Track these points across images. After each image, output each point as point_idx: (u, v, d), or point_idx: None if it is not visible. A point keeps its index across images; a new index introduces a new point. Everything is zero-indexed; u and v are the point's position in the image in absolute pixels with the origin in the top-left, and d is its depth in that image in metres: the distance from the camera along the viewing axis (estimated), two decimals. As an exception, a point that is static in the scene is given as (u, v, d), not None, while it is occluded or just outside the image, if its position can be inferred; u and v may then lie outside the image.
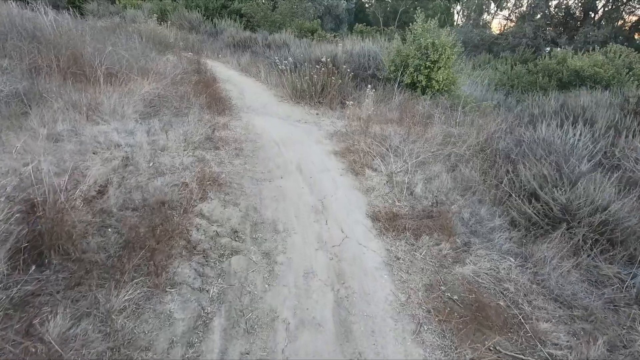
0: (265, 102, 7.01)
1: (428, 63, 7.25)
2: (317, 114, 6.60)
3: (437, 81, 7.41)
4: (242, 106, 6.62)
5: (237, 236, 2.75)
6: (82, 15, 13.37)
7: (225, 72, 9.50)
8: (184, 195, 3.04)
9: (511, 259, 2.78)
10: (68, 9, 11.75)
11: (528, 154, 4.21)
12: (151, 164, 3.51)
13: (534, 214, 3.11)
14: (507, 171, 4.01)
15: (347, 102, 6.84)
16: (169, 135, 4.29)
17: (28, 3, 12.17)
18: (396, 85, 7.44)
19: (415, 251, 2.77)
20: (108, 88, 5.08)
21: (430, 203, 3.47)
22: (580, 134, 4.35)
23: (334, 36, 16.31)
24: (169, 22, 13.55)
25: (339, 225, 3.05)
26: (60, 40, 6.14)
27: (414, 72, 7.41)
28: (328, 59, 7.23)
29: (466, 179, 4.07)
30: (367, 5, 38.56)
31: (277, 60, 7.83)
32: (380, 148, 4.75)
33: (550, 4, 23.06)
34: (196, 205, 2.96)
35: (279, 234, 2.88)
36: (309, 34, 15.95)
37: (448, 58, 7.35)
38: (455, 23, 31.25)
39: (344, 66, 7.70)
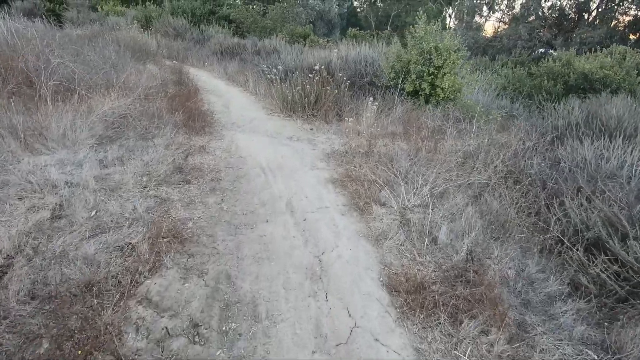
0: (253, 116, 6.10)
1: (432, 69, 6.40)
2: (311, 129, 5.70)
3: (442, 89, 6.55)
4: (226, 122, 5.70)
5: (197, 333, 1.84)
6: (60, 24, 12.39)
7: (211, 82, 8.58)
8: (126, 266, 2.13)
9: (593, 355, 1.90)
10: (42, 17, 10.78)
11: (570, 181, 3.35)
12: (93, 214, 2.59)
13: (608, 276, 2.24)
14: (548, 206, 3.14)
15: (345, 116, 5.96)
16: (127, 167, 3.37)
17: None
18: (397, 94, 6.57)
19: (457, 348, 1.87)
20: (63, 107, 4.15)
21: (461, 257, 2.59)
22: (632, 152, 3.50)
23: (327, 41, 15.45)
24: (153, 29, 12.62)
25: (344, 303, 2.14)
26: (13, 52, 5.21)
27: (416, 79, 6.55)
28: (322, 67, 6.35)
29: (497, 215, 3.19)
30: (359, 10, 37.89)
31: (266, 69, 6.93)
32: (387, 173, 3.86)
33: (543, 5, 22.43)
34: (141, 283, 2.04)
35: (260, 323, 1.96)
36: (301, 40, 15.09)
37: (453, 63, 6.51)
38: (447, 26, 30.61)
39: (340, 74, 6.82)
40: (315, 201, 3.36)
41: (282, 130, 5.50)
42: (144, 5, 14.64)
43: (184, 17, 13.74)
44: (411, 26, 7.26)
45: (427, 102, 6.75)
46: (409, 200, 3.35)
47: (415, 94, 6.79)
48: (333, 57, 8.02)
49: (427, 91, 6.52)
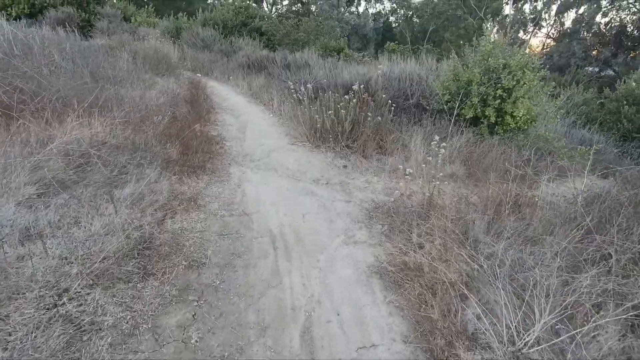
0: (273, 145, 4.73)
1: (499, 91, 4.82)
2: (345, 166, 4.25)
3: (512, 116, 4.95)
4: (237, 153, 4.36)
5: None
6: (91, 34, 11.73)
7: (231, 99, 7.35)
8: None
9: None
10: (66, 26, 10.06)
11: None
12: None
13: None
14: None
15: (388, 148, 4.49)
16: (52, 245, 2.05)
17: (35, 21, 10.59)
18: (452, 121, 5.02)
19: None
20: (5, 135, 2.93)
21: None
22: None
23: (363, 56, 14.07)
24: (179, 40, 11.71)
25: None
26: None
27: (479, 103, 4.99)
28: (361, 86, 4.91)
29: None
30: (394, 25, 36.51)
31: (292, 86, 5.58)
32: (464, 257, 2.33)
33: (599, 21, 20.06)
34: None
35: None
36: (335, 54, 13.79)
37: (529, 85, 4.90)
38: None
39: (382, 95, 5.36)
40: (354, 329, 1.87)
41: (307, 168, 4.08)
42: (175, 17, 13.89)
43: (215, 29, 12.81)
44: (472, 39, 5.74)
45: (491, 132, 5.15)
46: (519, 333, 1.80)
47: (475, 121, 5.22)
48: (373, 74, 6.57)
49: (492, 119, 4.93)
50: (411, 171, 3.69)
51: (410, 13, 32.19)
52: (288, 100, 6.18)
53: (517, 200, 3.10)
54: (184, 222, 2.65)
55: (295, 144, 4.83)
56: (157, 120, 4.15)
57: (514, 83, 4.82)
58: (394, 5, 31.52)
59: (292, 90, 5.45)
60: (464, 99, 5.09)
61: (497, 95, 4.86)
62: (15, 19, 11.38)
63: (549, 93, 5.43)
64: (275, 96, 6.80)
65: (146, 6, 15.76)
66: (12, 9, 11.66)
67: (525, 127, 5.18)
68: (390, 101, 5.05)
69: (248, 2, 16.52)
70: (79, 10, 12.94)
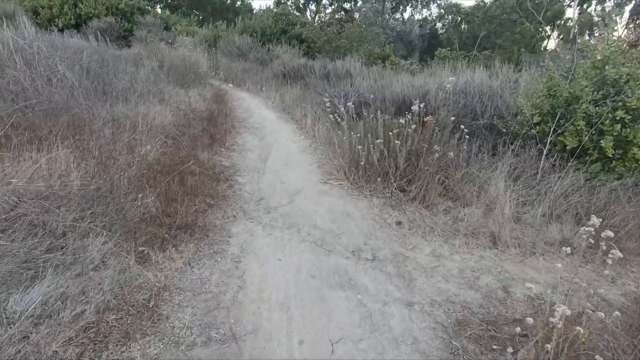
0: (299, 183, 3.44)
1: (621, 113, 3.20)
2: (400, 223, 2.85)
3: (643, 149, 3.30)
4: (249, 196, 3.12)
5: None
6: (129, 43, 11.26)
7: (259, 114, 6.18)
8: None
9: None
10: (104, 36, 9.54)
11: None
12: None
13: None
14: None
15: (458, 191, 3.04)
16: None
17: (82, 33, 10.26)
18: (544, 151, 3.47)
19: None
20: None
21: None
22: None
23: (410, 63, 12.50)
24: (216, 49, 10.88)
25: None
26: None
27: (586, 127, 3.39)
28: (421, 105, 3.47)
29: None
30: (440, 32, 34.30)
31: (328, 103, 4.26)
32: None
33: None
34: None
35: None
36: (380, 62, 12.35)
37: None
38: (544, 47, 25.68)
39: (443, 113, 3.92)
40: None
41: (343, 227, 2.72)
42: (214, 25, 13.19)
43: (254, 36, 11.89)
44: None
45: (608, 169, 3.50)
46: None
47: (579, 152, 3.60)
48: (431, 87, 5.11)
49: (608, 151, 3.30)
50: (497, 233, 2.22)
51: (459, 18, 29.89)
52: (324, 119, 4.88)
53: None
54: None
55: (330, 183, 3.48)
56: (143, 153, 3.00)
57: (645, 101, 3.19)
58: (442, 11, 29.41)
59: (330, 107, 4.13)
60: (562, 122, 3.51)
61: (617, 118, 3.23)
62: (61, 30, 11.17)
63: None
64: (309, 112, 5.54)
65: (189, 16, 15.31)
66: (58, 20, 11.48)
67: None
68: (453, 119, 3.60)
69: (289, 9, 15.57)
70: (122, 20, 12.60)
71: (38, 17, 11.31)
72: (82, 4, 11.82)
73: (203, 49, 10.60)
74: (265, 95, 7.61)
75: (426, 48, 31.15)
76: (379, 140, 3.29)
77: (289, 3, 28.83)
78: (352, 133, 3.50)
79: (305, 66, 8.91)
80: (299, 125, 5.53)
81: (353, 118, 3.89)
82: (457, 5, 29.79)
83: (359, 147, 3.33)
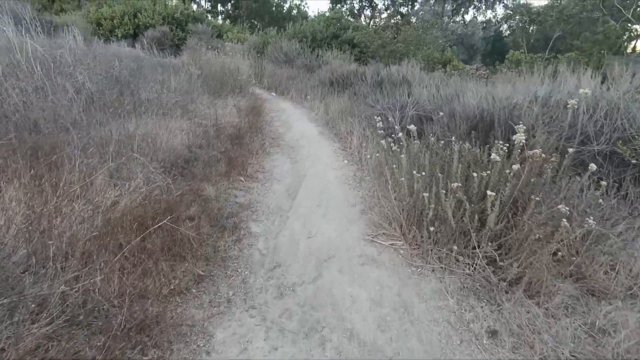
0: (333, 241, 2.36)
1: None
2: (493, 333, 1.68)
3: None
4: (261, 259, 2.12)
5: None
6: (179, 51, 11.06)
7: (298, 127, 5.22)
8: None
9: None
10: (144, 45, 9.32)
11: None
12: None
13: None
14: None
15: (587, 267, 1.76)
16: None
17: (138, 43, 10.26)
18: None
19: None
20: None
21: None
22: None
23: (476, 68, 10.82)
24: (263, 55, 10.23)
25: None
26: None
27: None
28: (523, 139, 2.21)
29: None
30: (504, 35, 31.27)
31: (379, 120, 3.13)
32: None
33: None
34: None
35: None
36: (440, 67, 10.87)
37: None
38: (631, 49, 21.91)
39: (540, 134, 2.63)
40: None
41: (397, 339, 1.60)
42: (264, 32, 12.63)
43: (303, 42, 11.08)
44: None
45: None
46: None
47: None
48: (516, 99, 3.76)
49: None
50: None
51: (528, 19, 26.79)
52: (373, 140, 3.76)
53: None
54: None
55: (378, 242, 2.36)
56: (110, 202, 2.13)
57: None
58: (509, 11, 26.57)
59: (380, 129, 3.00)
60: None
61: None
62: (119, 40, 11.31)
63: None
64: (356, 128, 4.45)
65: (242, 23, 15.02)
66: (118, 31, 11.66)
67: None
68: (560, 146, 2.27)
69: (343, 14, 14.62)
70: (177, 29, 12.54)
71: (101, 28, 11.57)
72: (140, 14, 11.91)
73: (249, 56, 10.00)
74: (308, 106, 6.66)
75: (489, 51, 28.40)
76: (456, 184, 2.11)
77: (343, 9, 27.95)
78: (413, 171, 2.34)
79: (356, 72, 7.82)
80: (342, 145, 4.46)
81: (412, 138, 2.73)
82: (526, 5, 26.76)
83: (425, 194, 2.17)
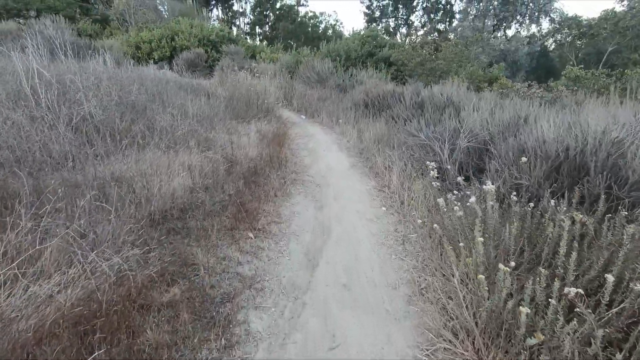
0: (372, 356, 1.59)
1: None
2: None
3: None
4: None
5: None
6: (211, 72, 10.87)
7: (326, 159, 4.47)
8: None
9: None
10: (172, 67, 9.14)
11: None
12: None
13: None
14: None
15: None
16: None
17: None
18: None
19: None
20: None
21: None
22: None
23: (528, 86, 9.63)
24: (295, 75, 9.74)
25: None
26: None
27: None
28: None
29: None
30: (550, 49, 29.28)
31: (433, 168, 2.31)
32: None
33: None
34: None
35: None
36: (485, 85, 9.79)
37: None
38: None
39: None
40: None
41: None
42: (297, 51, 12.24)
43: (337, 60, 10.51)
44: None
45: None
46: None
47: None
48: (619, 133, 2.79)
49: None
50: None
51: (577, 32, 24.75)
52: (417, 176, 2.93)
53: None
54: None
55: (438, 361, 1.52)
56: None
57: None
58: (557, 25, 24.74)
59: (435, 178, 2.16)
60: None
61: None
62: (155, 62, 11.37)
63: None
64: (396, 162, 3.63)
65: (276, 43, 14.82)
66: (155, 54, 11.75)
67: None
68: None
69: (379, 33, 13.97)
70: (212, 51, 12.48)
71: (139, 51, 11.72)
72: (177, 37, 11.96)
73: (281, 75, 9.54)
74: (340, 131, 5.93)
75: (533, 67, 26.53)
76: (574, 290, 1.23)
77: (379, 28, 27.46)
78: (499, 264, 1.49)
79: (393, 93, 7.03)
80: (379, 182, 3.65)
81: (474, 181, 1.88)
82: (575, 18, 24.83)
83: (523, 309, 1.31)
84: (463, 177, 2.68)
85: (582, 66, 9.50)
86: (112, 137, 3.59)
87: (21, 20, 14.43)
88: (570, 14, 25.39)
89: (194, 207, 2.59)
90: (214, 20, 25.87)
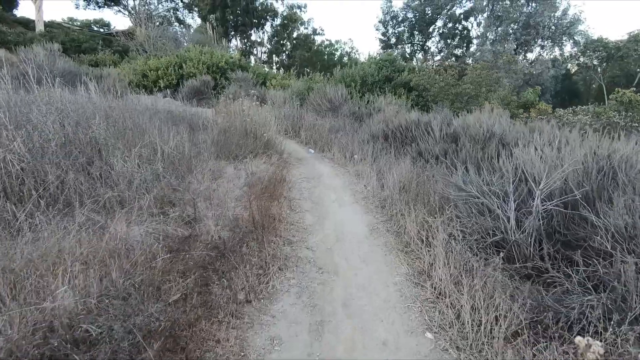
0: None
1: None
2: None
3: None
4: None
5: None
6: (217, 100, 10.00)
7: (336, 219, 3.21)
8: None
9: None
10: (166, 95, 8.25)
11: None
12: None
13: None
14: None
15: None
16: None
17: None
18: None
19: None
20: None
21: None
22: None
23: (573, 112, 8.19)
24: (306, 103, 8.70)
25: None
26: None
27: None
28: None
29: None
30: (573, 71, 27.80)
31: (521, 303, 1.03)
32: None
33: None
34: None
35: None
36: (520, 112, 8.44)
37: None
38: None
39: None
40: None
41: None
42: (309, 77, 11.32)
43: (351, 86, 9.47)
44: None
45: None
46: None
47: None
48: None
49: None
50: None
51: (606, 54, 23.12)
52: (479, 264, 1.59)
53: None
54: None
55: None
56: None
57: None
58: (582, 48, 23.25)
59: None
60: None
61: None
62: (160, 90, 10.65)
63: None
64: (439, 234, 2.33)
65: (292, 71, 14.03)
66: (161, 81, 11.07)
67: None
68: None
69: (395, 56, 12.97)
70: (221, 78, 11.72)
71: (145, 79, 11.08)
72: (185, 64, 11.30)
73: (289, 103, 8.50)
74: (354, 171, 4.69)
75: (560, 90, 24.90)
76: None
77: (395, 53, 26.73)
78: None
79: (418, 123, 5.79)
80: (412, 266, 2.34)
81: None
82: (601, 40, 23.28)
83: None
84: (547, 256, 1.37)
85: (634, 88, 8.06)
86: (28, 195, 2.47)
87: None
88: (594, 37, 23.89)
89: (95, 344, 1.35)
90: (232, 50, 25.80)
